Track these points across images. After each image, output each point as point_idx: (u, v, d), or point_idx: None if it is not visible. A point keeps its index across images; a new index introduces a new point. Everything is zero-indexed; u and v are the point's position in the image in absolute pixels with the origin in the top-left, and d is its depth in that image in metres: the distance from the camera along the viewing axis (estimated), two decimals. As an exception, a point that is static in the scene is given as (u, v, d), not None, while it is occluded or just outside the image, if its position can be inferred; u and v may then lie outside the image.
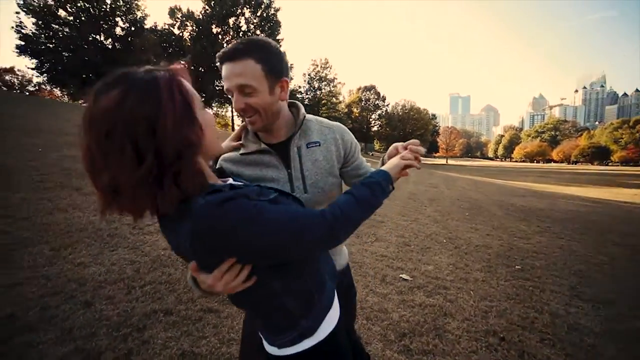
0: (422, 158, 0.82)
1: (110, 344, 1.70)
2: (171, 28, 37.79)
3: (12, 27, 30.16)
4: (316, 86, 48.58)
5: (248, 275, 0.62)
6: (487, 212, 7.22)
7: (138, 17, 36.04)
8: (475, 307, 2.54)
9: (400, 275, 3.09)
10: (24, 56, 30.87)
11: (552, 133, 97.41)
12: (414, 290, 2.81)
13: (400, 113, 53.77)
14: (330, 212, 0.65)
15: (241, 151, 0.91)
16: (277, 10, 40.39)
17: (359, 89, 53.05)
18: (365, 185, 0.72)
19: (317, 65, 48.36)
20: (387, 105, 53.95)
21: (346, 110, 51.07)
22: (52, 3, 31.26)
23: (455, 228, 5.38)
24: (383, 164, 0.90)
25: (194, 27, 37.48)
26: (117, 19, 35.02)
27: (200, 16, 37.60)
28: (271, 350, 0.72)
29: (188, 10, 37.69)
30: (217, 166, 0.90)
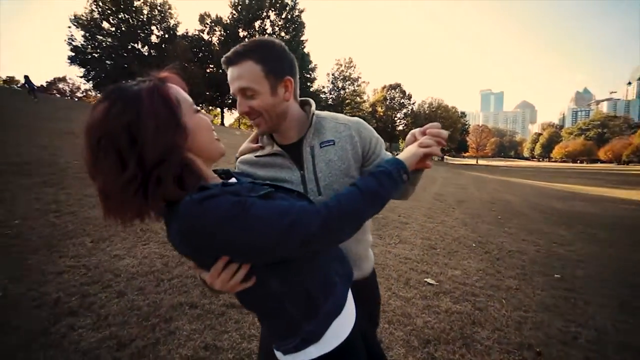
0: (445, 143, 0.74)
1: (140, 332, 1.79)
2: (201, 34, 39.54)
3: (65, 40, 33.23)
4: (340, 86, 48.44)
5: (248, 275, 0.60)
6: (522, 215, 6.74)
7: (171, 24, 38.19)
8: (508, 317, 2.37)
9: (425, 280, 2.97)
10: (74, 65, 33.97)
11: (599, 130, 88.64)
12: (439, 295, 2.68)
13: (426, 111, 51.98)
14: (325, 205, 0.59)
15: (256, 153, 0.89)
16: (301, 11, 40.79)
17: (383, 87, 52.08)
18: (372, 175, 0.66)
19: (341, 65, 48.18)
20: (413, 104, 52.45)
21: (370, 109, 50.37)
22: (98, 16, 34.05)
23: (486, 232, 5.08)
24: None
25: (222, 32, 38.92)
26: (153, 27, 37.38)
27: (228, 21, 38.95)
28: (278, 355, 0.69)
29: (217, 16, 39.21)
30: (236, 169, 0.89)
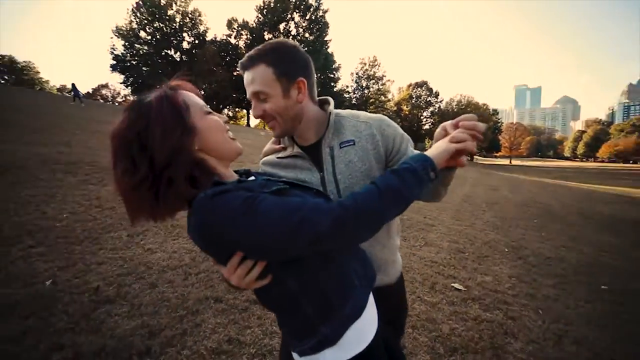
0: (481, 137, 0.64)
1: (169, 322, 1.89)
2: (228, 38, 41.04)
3: (108, 49, 36.18)
4: (364, 85, 47.94)
5: (264, 272, 0.60)
6: (561, 220, 6.23)
7: (201, 30, 40.05)
8: (545, 329, 2.19)
9: (452, 284, 2.83)
10: (115, 73, 36.89)
11: (656, 127, 79.48)
12: (467, 301, 2.54)
13: (455, 109, 49.75)
14: (339, 204, 0.57)
15: (278, 154, 0.89)
16: (325, 11, 40.92)
17: (409, 85, 50.69)
18: (393, 172, 0.61)
19: (365, 64, 47.65)
20: (440, 102, 50.53)
21: (395, 108, 49.29)
22: (136, 26, 36.63)
23: (520, 236, 4.75)
24: None
25: (248, 36, 40.09)
26: (184, 34, 39.45)
27: (254, 25, 40.03)
28: (295, 356, 0.68)
29: (243, 20, 40.49)
30: (260, 170, 0.90)
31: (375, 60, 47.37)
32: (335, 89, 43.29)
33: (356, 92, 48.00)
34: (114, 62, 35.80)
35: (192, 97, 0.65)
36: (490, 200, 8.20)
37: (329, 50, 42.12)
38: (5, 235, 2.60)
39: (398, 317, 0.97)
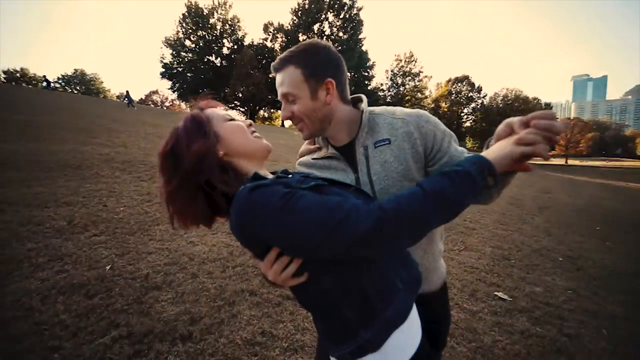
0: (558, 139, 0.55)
1: (208, 311, 2.01)
2: (264, 42, 42.50)
3: (158, 59, 39.76)
4: (399, 82, 46.51)
5: (300, 270, 0.59)
6: (632, 227, 5.43)
7: (239, 36, 42.03)
8: (611, 353, 1.93)
9: (495, 293, 2.62)
10: (164, 79, 40.39)
11: None
12: (513, 313, 2.33)
13: (500, 105, 45.99)
14: (380, 206, 0.52)
15: (313, 155, 0.88)
16: (359, 9, 40.44)
17: (448, 81, 48.00)
18: (443, 175, 0.55)
19: (401, 60, 46.22)
20: (483, 97, 47.09)
21: (433, 105, 47.06)
22: (182, 36, 39.66)
23: (578, 245, 4.24)
24: (487, 149, 0.67)
25: (283, 38, 41.13)
26: (224, 40, 41.75)
27: (289, 27, 40.95)
28: None
29: (279, 23, 41.62)
30: (296, 170, 0.90)
31: (412, 55, 45.69)
32: (369, 88, 42.61)
33: (391, 90, 46.74)
34: (163, 70, 39.20)
35: (215, 110, 0.70)
36: (542, 204, 7.43)
37: (363, 48, 41.56)
38: (75, 224, 2.98)
39: (440, 328, 0.90)
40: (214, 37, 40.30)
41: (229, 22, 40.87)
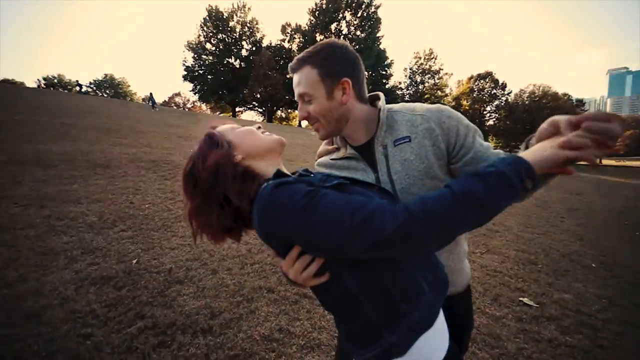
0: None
1: (227, 306, 2.06)
2: (282, 43, 42.95)
3: (180, 62, 41.31)
4: (418, 80, 45.51)
5: (322, 269, 0.58)
6: (676, 233, 5.00)
7: (258, 38, 42.77)
8: (650, 365, 1.79)
9: (521, 299, 2.50)
10: (186, 82, 41.90)
11: None
12: (540, 320, 2.22)
13: (526, 102, 43.75)
14: (405, 208, 0.51)
15: (332, 156, 0.88)
16: (377, 7, 39.92)
17: (470, 78, 46.31)
18: (475, 175, 0.51)
19: (420, 58, 45.21)
20: (507, 94, 44.98)
21: (453, 103, 45.61)
22: (203, 39, 40.93)
23: (613, 250, 3.96)
24: (527, 148, 0.61)
25: (301, 39, 41.39)
26: (243, 42, 42.63)
27: (306, 27, 41.15)
28: None
29: (296, 24, 41.92)
30: (315, 171, 0.90)
31: (432, 52, 44.55)
32: (387, 86, 41.99)
33: (410, 88, 45.84)
34: (185, 73, 40.65)
35: (225, 124, 0.73)
36: (571, 206, 7.01)
37: (381, 47, 41.01)
38: (105, 220, 3.16)
39: (462, 332, 0.88)
40: (233, 40, 41.28)
41: (248, 25, 41.69)
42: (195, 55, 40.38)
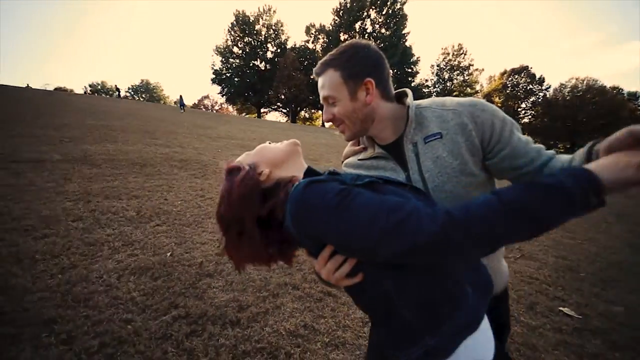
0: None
1: (254, 300, 2.12)
2: (306, 44, 43.34)
3: (210, 66, 43.15)
4: (446, 77, 43.79)
5: (355, 270, 0.56)
6: None
7: (282, 40, 43.54)
8: None
9: (560, 309, 2.33)
10: (214, 85, 43.61)
11: None
12: (583, 333, 2.05)
13: (567, 97, 40.35)
14: (446, 212, 0.47)
15: (359, 156, 0.87)
16: (403, 3, 38.98)
17: (503, 73, 43.70)
18: (529, 185, 0.47)
19: (448, 54, 43.47)
20: (545, 89, 41.80)
21: (484, 100, 43.35)
22: (230, 43, 42.41)
23: (673, 260, 3.54)
24: (589, 156, 0.56)
25: (325, 39, 41.50)
26: (268, 45, 43.60)
27: (330, 27, 41.16)
28: None
29: (320, 24, 42.11)
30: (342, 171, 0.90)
31: (461, 48, 42.65)
32: (413, 84, 40.87)
33: (437, 86, 44.25)
34: (213, 76, 42.38)
35: (244, 156, 0.73)
36: (620, 211, 6.38)
37: (407, 44, 39.99)
38: (142, 215, 3.39)
39: (500, 335, 0.84)
40: (259, 43, 42.41)
41: (273, 27, 42.60)
42: (223, 59, 41.99)
